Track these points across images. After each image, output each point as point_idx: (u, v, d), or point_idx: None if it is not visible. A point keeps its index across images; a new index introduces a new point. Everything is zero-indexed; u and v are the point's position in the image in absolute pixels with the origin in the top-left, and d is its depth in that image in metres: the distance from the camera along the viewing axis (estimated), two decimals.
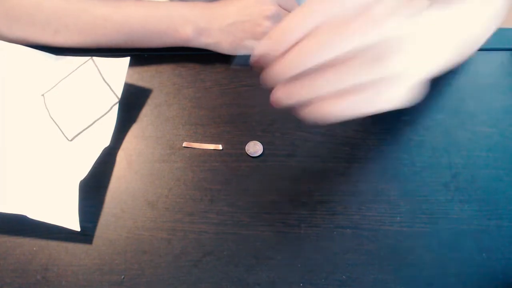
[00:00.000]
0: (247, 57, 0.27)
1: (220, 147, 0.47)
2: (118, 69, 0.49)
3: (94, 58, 0.50)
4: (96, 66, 0.50)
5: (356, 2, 0.23)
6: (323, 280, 0.39)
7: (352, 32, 0.22)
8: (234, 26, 0.49)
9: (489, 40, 0.54)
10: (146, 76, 0.53)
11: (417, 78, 0.25)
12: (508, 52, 0.53)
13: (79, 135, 0.47)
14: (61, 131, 0.48)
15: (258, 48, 0.26)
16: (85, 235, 0.42)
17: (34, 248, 0.42)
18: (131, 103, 0.50)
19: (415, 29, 0.23)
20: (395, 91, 0.24)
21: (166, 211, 0.44)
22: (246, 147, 0.47)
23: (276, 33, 0.24)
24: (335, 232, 0.42)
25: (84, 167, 0.44)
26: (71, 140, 0.47)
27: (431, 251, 0.41)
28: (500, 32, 0.55)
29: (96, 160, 0.44)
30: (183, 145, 0.48)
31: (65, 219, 0.41)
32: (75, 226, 0.41)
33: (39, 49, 0.52)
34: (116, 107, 0.47)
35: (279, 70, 0.24)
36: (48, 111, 0.49)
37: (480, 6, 0.32)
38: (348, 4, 0.23)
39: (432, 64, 0.26)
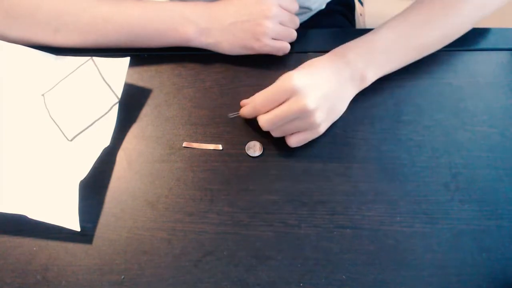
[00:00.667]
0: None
1: (220, 147, 0.47)
2: (118, 69, 0.49)
3: (94, 58, 0.50)
4: (96, 66, 0.50)
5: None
6: (323, 280, 0.39)
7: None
8: (234, 26, 0.49)
9: (489, 40, 0.54)
10: (146, 76, 0.53)
11: (327, 124, 0.46)
12: (508, 52, 0.53)
13: (79, 135, 0.47)
14: (61, 131, 0.48)
15: (242, 113, 0.47)
16: (85, 235, 0.42)
17: (34, 248, 0.42)
18: (131, 103, 0.50)
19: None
20: (319, 129, 0.45)
21: (166, 211, 0.44)
22: (246, 147, 0.47)
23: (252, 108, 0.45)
24: (335, 232, 0.42)
25: (84, 167, 0.44)
26: (71, 140, 0.47)
27: (431, 251, 0.41)
28: (500, 32, 0.55)
29: (96, 160, 0.44)
30: (183, 145, 0.48)
31: (65, 219, 0.41)
32: (75, 226, 0.41)
33: (39, 49, 0.52)
34: (116, 107, 0.47)
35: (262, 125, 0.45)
36: (48, 111, 0.49)
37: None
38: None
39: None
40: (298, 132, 0.45)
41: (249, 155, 0.46)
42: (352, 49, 0.47)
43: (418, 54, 0.50)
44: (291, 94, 0.42)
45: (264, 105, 0.44)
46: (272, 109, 0.43)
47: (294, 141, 0.45)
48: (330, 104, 0.44)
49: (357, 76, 0.46)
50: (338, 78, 0.45)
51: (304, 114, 0.42)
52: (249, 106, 0.46)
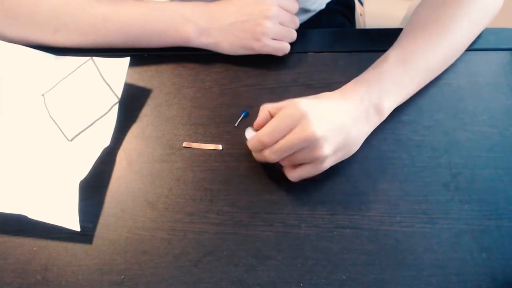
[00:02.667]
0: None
1: (220, 147, 0.47)
2: (118, 69, 0.49)
3: (94, 58, 0.50)
4: (96, 66, 0.50)
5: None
6: (323, 280, 0.39)
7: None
8: (234, 25, 0.49)
9: (489, 40, 0.54)
10: (146, 76, 0.53)
11: (333, 160, 0.43)
12: (508, 52, 0.53)
13: (79, 135, 0.47)
14: (61, 131, 0.48)
15: (249, 146, 0.44)
16: (85, 235, 0.42)
17: (34, 248, 0.42)
18: (131, 103, 0.50)
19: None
20: (324, 165, 0.42)
21: (166, 211, 0.44)
22: (246, 132, 0.45)
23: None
24: (335, 232, 0.42)
25: (84, 167, 0.44)
26: (71, 140, 0.47)
27: (431, 251, 0.41)
28: (500, 32, 0.55)
29: (96, 160, 0.44)
30: (183, 145, 0.48)
31: (65, 219, 0.41)
32: (75, 226, 0.41)
33: (39, 49, 0.52)
34: (116, 107, 0.47)
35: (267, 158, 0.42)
36: (48, 111, 0.49)
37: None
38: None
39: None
40: (301, 165, 0.42)
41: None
42: (361, 84, 0.45)
43: (426, 79, 0.49)
44: (297, 120, 0.39)
45: (270, 136, 0.40)
46: (279, 140, 0.40)
47: (295, 176, 0.43)
48: (341, 139, 0.41)
49: (372, 111, 0.44)
50: (352, 115, 0.43)
51: (311, 144, 0.39)
52: (254, 139, 0.42)
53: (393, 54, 0.47)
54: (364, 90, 0.44)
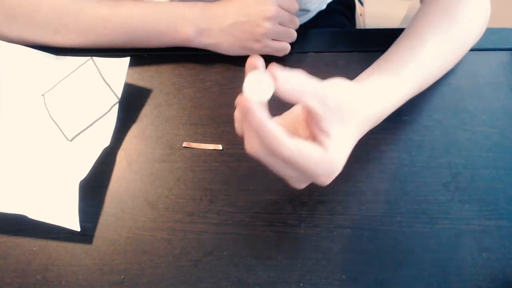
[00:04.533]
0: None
1: (220, 147, 0.47)
2: (118, 69, 0.49)
3: (94, 58, 0.50)
4: (96, 66, 0.50)
5: None
6: (323, 280, 0.39)
7: None
8: (234, 26, 0.49)
9: (489, 40, 0.54)
10: (146, 76, 0.53)
11: None
12: (508, 52, 0.53)
13: (79, 135, 0.47)
14: (61, 131, 0.48)
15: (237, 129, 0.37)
16: (85, 235, 0.42)
17: (34, 248, 0.42)
18: (131, 103, 0.50)
19: None
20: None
21: (166, 211, 0.44)
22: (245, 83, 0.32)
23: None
24: (335, 232, 0.42)
25: (84, 167, 0.44)
26: (71, 140, 0.47)
27: (431, 251, 0.41)
28: (500, 32, 0.55)
29: (96, 160, 0.44)
30: (183, 145, 0.48)
31: (65, 219, 0.41)
32: (75, 226, 0.41)
33: (39, 49, 0.52)
34: (116, 107, 0.47)
35: None
36: (48, 111, 0.49)
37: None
38: None
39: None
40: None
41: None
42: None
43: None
44: (322, 176, 0.34)
45: (283, 157, 0.32)
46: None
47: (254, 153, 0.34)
48: None
49: None
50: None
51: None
52: (261, 122, 0.32)
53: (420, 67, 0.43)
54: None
